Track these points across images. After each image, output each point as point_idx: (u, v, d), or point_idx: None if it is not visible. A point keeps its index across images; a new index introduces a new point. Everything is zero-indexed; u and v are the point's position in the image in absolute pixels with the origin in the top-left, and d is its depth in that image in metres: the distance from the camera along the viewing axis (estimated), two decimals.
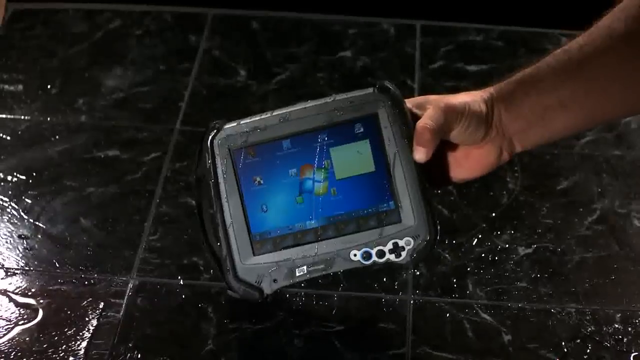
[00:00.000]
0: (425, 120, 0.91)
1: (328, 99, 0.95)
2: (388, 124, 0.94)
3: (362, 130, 0.94)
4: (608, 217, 1.17)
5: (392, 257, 0.95)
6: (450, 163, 0.96)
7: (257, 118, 0.95)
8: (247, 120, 0.96)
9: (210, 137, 0.96)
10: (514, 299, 1.07)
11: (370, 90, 0.94)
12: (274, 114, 0.95)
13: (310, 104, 0.95)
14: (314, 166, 0.95)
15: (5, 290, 1.07)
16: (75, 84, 1.35)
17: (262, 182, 0.96)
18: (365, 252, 0.95)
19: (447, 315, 1.06)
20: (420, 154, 0.91)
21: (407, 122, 0.93)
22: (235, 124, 0.96)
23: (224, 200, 0.96)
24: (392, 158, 0.94)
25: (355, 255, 0.95)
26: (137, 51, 1.40)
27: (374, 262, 0.95)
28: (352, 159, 0.95)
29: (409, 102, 0.95)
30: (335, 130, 0.94)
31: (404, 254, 0.95)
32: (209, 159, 0.96)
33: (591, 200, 1.19)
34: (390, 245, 0.94)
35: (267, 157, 0.95)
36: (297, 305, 1.06)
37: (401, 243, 0.94)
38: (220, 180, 0.96)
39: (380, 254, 0.95)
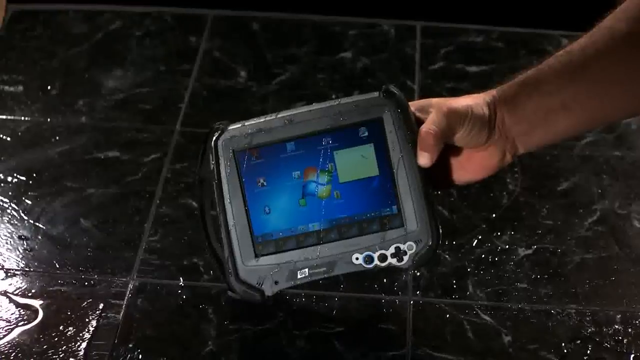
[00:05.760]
0: (429, 125, 0.91)
1: (333, 102, 0.95)
2: (393, 128, 0.94)
3: (366, 134, 0.94)
4: (608, 218, 1.17)
5: (394, 261, 0.95)
6: (453, 166, 0.96)
7: (261, 120, 0.95)
8: (251, 121, 0.96)
9: (214, 138, 0.96)
10: (514, 300, 1.07)
11: (376, 94, 0.94)
12: (278, 116, 0.95)
13: (315, 107, 0.95)
14: (317, 169, 0.95)
15: (6, 291, 1.07)
16: (76, 85, 1.35)
17: (265, 184, 0.96)
18: (367, 255, 0.95)
19: (447, 316, 1.06)
20: (424, 159, 0.91)
21: (411, 126, 0.93)
22: (239, 126, 0.96)
23: (227, 201, 0.96)
24: (396, 162, 0.94)
25: (357, 258, 0.95)
26: (137, 52, 1.40)
27: (376, 265, 0.95)
28: (356, 162, 0.95)
29: (411, 105, 0.95)
30: (339, 134, 0.95)
31: (406, 258, 0.95)
32: (212, 160, 0.96)
33: (591, 201, 1.19)
34: (392, 250, 0.95)
35: (271, 159, 0.95)
36: (298, 306, 1.06)
37: (403, 247, 0.94)
38: (224, 181, 0.96)
39: (383, 258, 0.95)
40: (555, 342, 1.03)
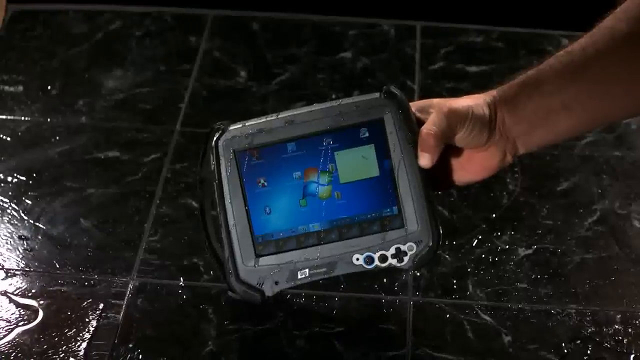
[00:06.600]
0: (429, 126, 0.91)
1: (334, 103, 0.95)
2: (393, 129, 0.94)
3: (367, 135, 0.94)
4: (608, 218, 1.17)
5: (394, 262, 0.95)
6: (454, 166, 0.96)
7: (262, 120, 0.95)
8: (252, 122, 0.96)
9: (214, 139, 0.96)
10: (514, 300, 1.07)
11: (377, 95, 0.94)
12: (279, 116, 0.95)
13: (315, 107, 0.95)
14: (318, 169, 0.95)
15: (6, 291, 1.07)
16: (76, 85, 1.35)
17: (266, 184, 0.96)
18: (368, 256, 0.95)
19: (447, 316, 1.06)
20: (425, 160, 0.91)
21: (412, 127, 0.93)
22: (240, 126, 0.96)
23: (227, 201, 0.96)
24: (396, 163, 0.94)
25: (357, 259, 0.95)
26: (137, 52, 1.40)
27: (376, 266, 0.95)
28: (357, 163, 0.95)
29: (412, 106, 0.95)
30: (340, 134, 0.95)
31: (406, 259, 0.95)
32: (213, 160, 0.96)
33: (591, 201, 1.19)
34: (392, 250, 0.95)
35: (272, 159, 0.95)
36: (298, 306, 1.06)
37: (404, 248, 0.94)
38: (224, 181, 0.96)
39: (383, 258, 0.95)
40: (555, 342, 1.03)
